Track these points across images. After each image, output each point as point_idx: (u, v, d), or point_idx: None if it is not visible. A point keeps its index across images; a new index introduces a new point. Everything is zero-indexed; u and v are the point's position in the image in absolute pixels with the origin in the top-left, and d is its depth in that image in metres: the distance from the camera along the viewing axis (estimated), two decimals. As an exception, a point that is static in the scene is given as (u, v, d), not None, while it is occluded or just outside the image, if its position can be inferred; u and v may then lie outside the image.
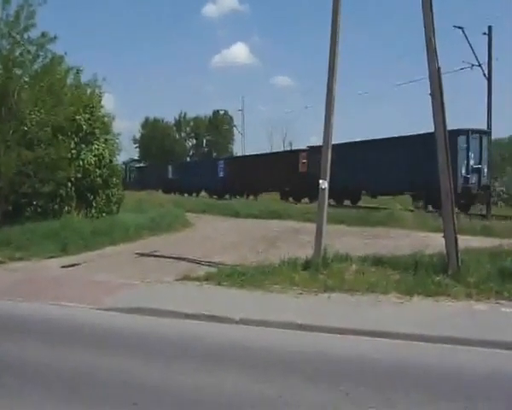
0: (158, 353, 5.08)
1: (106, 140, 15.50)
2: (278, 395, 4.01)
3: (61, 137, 13.87)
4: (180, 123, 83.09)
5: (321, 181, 9.04)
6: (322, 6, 57.02)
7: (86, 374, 4.46)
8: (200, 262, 9.70)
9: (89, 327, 6.06)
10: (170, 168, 42.30)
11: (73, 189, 14.09)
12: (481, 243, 10.19)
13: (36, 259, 10.33)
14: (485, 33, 21.89)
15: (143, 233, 13.66)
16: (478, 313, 6.18)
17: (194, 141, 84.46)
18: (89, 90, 15.54)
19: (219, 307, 6.53)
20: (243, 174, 30.69)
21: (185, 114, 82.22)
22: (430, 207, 18.15)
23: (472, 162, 18.51)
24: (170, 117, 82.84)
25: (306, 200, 24.50)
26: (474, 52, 21.87)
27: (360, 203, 24.26)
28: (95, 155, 14.61)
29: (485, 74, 21.77)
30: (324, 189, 8.99)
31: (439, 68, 7.96)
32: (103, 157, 14.85)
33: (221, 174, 33.96)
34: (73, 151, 14.17)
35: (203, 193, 36.32)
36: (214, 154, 75.35)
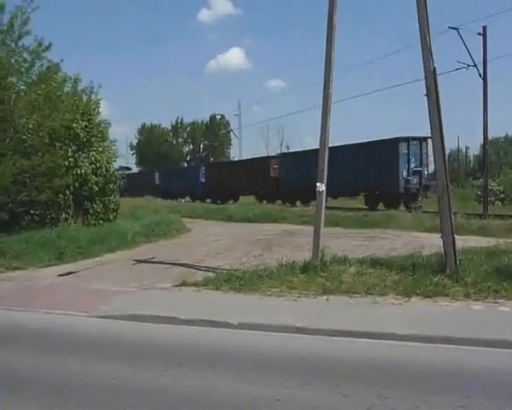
0: (154, 359, 5.04)
1: (103, 147, 15.47)
2: (276, 398, 3.98)
3: (58, 144, 13.84)
4: (177, 128, 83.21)
5: (318, 184, 9.04)
6: (316, 9, 57.21)
7: (80, 381, 4.42)
8: (197, 267, 9.66)
9: (84, 335, 6.02)
10: (157, 175, 43.83)
11: (71, 197, 14.05)
12: (478, 242, 10.19)
13: (32, 268, 10.28)
14: (480, 33, 22.02)
15: (140, 240, 13.63)
16: (476, 313, 6.16)
17: (191, 146, 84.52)
18: (85, 98, 15.53)
19: (217, 312, 6.49)
20: (222, 179, 32.46)
21: (182, 120, 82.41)
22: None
23: (412, 166, 20.98)
24: (166, 123, 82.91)
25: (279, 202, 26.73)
26: (469, 52, 22.00)
27: (358, 205, 24.29)
28: (91, 163, 14.58)
29: (480, 74, 21.88)
30: (322, 192, 8.97)
31: (434, 69, 7.97)
32: (100, 165, 14.81)
33: (202, 180, 35.90)
34: (71, 159, 14.14)
35: (187, 198, 37.78)
36: (212, 158, 75.40)
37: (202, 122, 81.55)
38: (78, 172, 14.15)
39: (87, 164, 14.36)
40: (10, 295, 7.95)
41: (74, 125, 14.33)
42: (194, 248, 12.63)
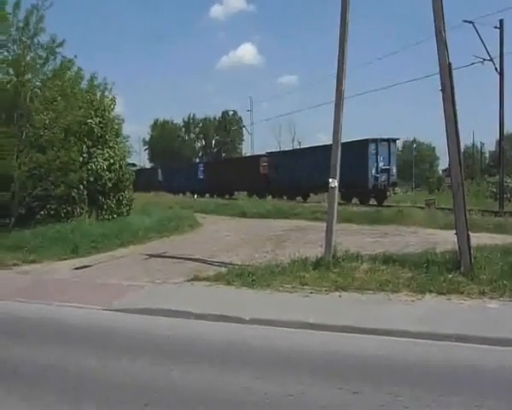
0: (167, 353, 5.09)
1: (116, 143, 15.61)
2: (288, 394, 3.98)
3: (72, 140, 14.01)
4: (189, 124, 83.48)
5: (330, 179, 8.98)
6: (328, 4, 56.76)
7: (95, 375, 4.47)
8: (209, 262, 9.70)
9: (97, 329, 6.09)
10: (160, 172, 46.03)
11: (85, 192, 14.21)
12: (493, 239, 10.05)
13: (48, 261, 10.44)
14: (496, 27, 21.64)
15: (152, 235, 13.72)
16: (491, 311, 6.08)
17: (203, 142, 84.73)
18: (99, 94, 15.67)
19: (229, 307, 6.51)
20: (218, 176, 34.95)
21: (194, 116, 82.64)
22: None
23: (381, 164, 23.33)
24: (178, 119, 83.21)
25: (270, 197, 28.66)
26: (485, 46, 21.63)
27: (370, 201, 24.20)
28: (105, 159, 14.72)
29: (496, 69, 21.52)
30: (334, 187, 8.92)
31: (449, 63, 7.86)
32: (114, 161, 14.95)
33: (201, 176, 38.62)
34: (85, 155, 14.30)
35: (188, 194, 39.26)
36: (223, 154, 75.49)
37: (214, 118, 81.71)
38: (93, 166, 14.31)
39: (101, 160, 14.51)
40: (27, 289, 8.08)
41: (89, 120, 14.48)
42: (206, 243, 12.68)
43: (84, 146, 14.35)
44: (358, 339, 5.37)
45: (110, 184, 14.74)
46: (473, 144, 55.90)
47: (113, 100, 15.76)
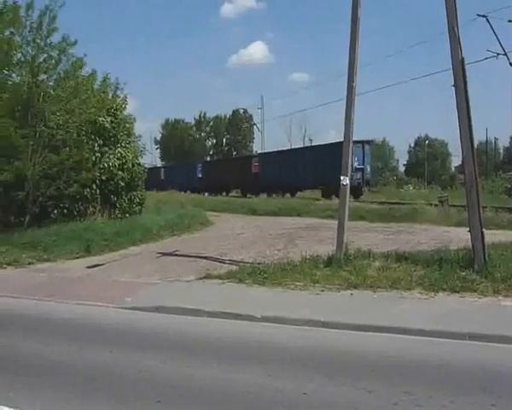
0: (179, 350, 5.12)
1: (128, 143, 15.73)
2: (300, 392, 3.98)
3: (85, 139, 14.14)
4: (200, 123, 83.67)
5: (342, 177, 8.93)
6: (339, 0, 56.41)
7: (107, 371, 4.52)
8: (221, 260, 9.72)
9: (110, 326, 6.16)
10: (162, 171, 48.21)
11: (98, 191, 14.34)
12: (508, 237, 9.90)
13: (61, 260, 10.56)
14: (510, 21, 21.31)
15: (164, 233, 13.80)
16: (506, 309, 6.00)
17: (214, 140, 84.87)
18: (111, 93, 15.80)
19: (241, 305, 6.53)
20: (215, 175, 37.36)
21: (205, 114, 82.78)
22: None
23: (355, 164, 25.41)
24: (190, 117, 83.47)
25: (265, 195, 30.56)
26: (499, 41, 21.33)
27: (382, 199, 24.09)
28: (118, 159, 14.85)
29: (511, 63, 21.20)
30: (346, 185, 8.87)
31: (462, 59, 7.76)
32: (126, 160, 15.07)
33: (199, 175, 40.91)
34: (97, 154, 14.43)
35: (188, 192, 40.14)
36: (234, 153, 75.54)
37: (225, 116, 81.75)
38: (106, 165, 14.43)
39: (113, 159, 14.63)
40: (41, 287, 8.19)
41: (101, 119, 14.61)
42: (217, 241, 12.71)
43: (96, 145, 14.48)
44: (371, 337, 5.34)
45: (123, 183, 14.85)
46: (486, 140, 55.09)
47: (125, 99, 15.89)
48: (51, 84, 14.21)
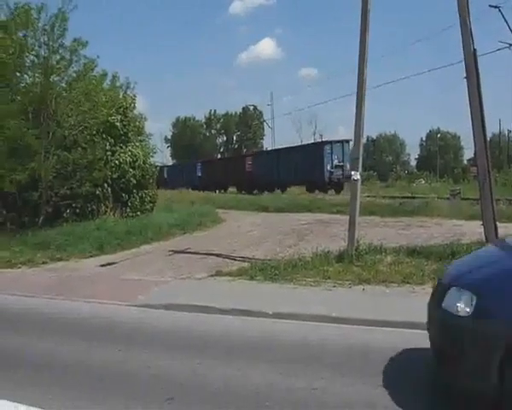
0: (191, 348, 5.14)
1: (139, 141, 15.84)
2: (311, 387, 3.98)
3: (96, 139, 14.28)
4: (210, 120, 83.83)
5: (353, 172, 8.88)
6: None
7: (119, 369, 4.55)
8: (231, 257, 9.75)
9: (123, 324, 6.21)
10: (165, 170, 49.28)
11: (109, 190, 14.47)
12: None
13: (74, 259, 10.68)
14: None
15: (175, 231, 13.86)
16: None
17: (225, 138, 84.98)
18: (121, 93, 15.92)
19: (252, 302, 6.54)
20: (213, 173, 39.47)
21: (215, 112, 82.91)
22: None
23: (335, 162, 28.57)
24: (200, 115, 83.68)
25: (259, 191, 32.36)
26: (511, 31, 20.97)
27: (392, 193, 23.91)
28: (129, 156, 14.95)
29: (523, 54, 20.84)
30: (357, 180, 8.82)
31: (474, 50, 7.65)
32: (137, 158, 15.17)
33: (199, 174, 42.24)
34: (108, 152, 14.55)
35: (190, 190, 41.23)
36: (244, 150, 75.55)
37: (235, 113, 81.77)
38: (117, 162, 14.54)
39: (125, 156, 14.75)
40: (54, 286, 8.29)
41: (111, 118, 14.72)
42: (228, 238, 12.73)
43: (107, 143, 14.60)
44: (384, 332, 5.31)
45: (134, 181, 14.95)
46: (499, 133, 54.34)
47: (133, 98, 15.98)
48: (63, 85, 14.37)
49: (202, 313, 6.35)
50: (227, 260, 9.58)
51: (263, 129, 73.62)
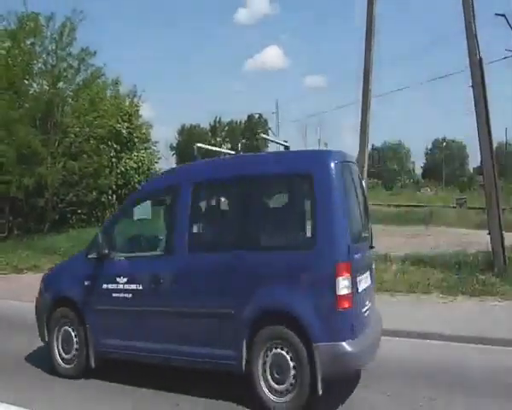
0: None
1: (145, 148, 15.95)
2: (316, 395, 3.94)
3: (102, 146, 14.38)
4: (215, 128, 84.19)
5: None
6: (353, 3, 56.28)
7: (127, 373, 4.54)
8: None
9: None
10: None
11: (114, 196, 14.54)
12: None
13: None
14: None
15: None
16: (528, 313, 5.87)
17: (230, 145, 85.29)
18: (128, 101, 16.06)
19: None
20: None
21: (220, 119, 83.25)
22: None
23: None
24: (205, 123, 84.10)
25: None
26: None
27: (398, 202, 23.87)
28: (134, 162, 15.05)
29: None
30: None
31: (480, 58, 7.65)
32: (142, 164, 15.26)
33: None
34: (114, 159, 14.65)
35: None
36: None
37: (240, 122, 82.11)
38: (122, 169, 14.63)
39: (131, 162, 14.85)
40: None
41: (117, 125, 14.84)
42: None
43: (113, 150, 14.70)
44: (390, 341, 5.27)
45: (139, 187, 15.02)
46: (506, 141, 54.07)
47: (137, 105, 16.12)
48: (70, 93, 14.52)
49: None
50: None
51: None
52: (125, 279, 4.24)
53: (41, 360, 4.89)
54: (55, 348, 4.59)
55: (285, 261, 3.62)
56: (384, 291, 7.00)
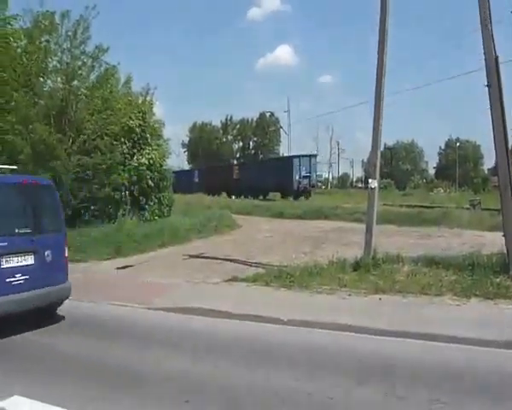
0: (205, 351, 5.15)
1: (157, 145, 16.02)
2: (327, 396, 3.94)
3: (115, 143, 14.49)
4: (226, 126, 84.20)
5: (370, 180, 8.83)
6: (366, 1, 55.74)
7: (136, 371, 4.58)
8: (247, 263, 9.76)
9: (139, 326, 6.27)
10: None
11: (127, 193, 14.64)
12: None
13: (93, 261, 10.83)
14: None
15: (192, 235, 13.95)
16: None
17: (241, 143, 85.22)
18: (141, 99, 16.14)
19: (267, 308, 6.53)
20: (207, 180, 43.02)
21: (231, 117, 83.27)
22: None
23: (303, 173, 33.89)
24: (217, 121, 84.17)
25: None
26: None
27: (410, 202, 23.63)
28: (146, 159, 15.13)
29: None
30: (374, 188, 8.75)
31: (496, 57, 7.53)
32: (154, 161, 15.34)
33: (196, 180, 45.16)
34: (127, 156, 14.75)
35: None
36: (260, 156, 75.67)
37: (252, 120, 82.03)
38: (136, 164, 14.73)
39: (143, 158, 14.93)
40: (73, 287, 8.38)
41: (130, 122, 14.93)
42: (244, 244, 12.75)
43: (125, 147, 14.80)
44: (401, 343, 5.24)
45: (152, 184, 15.10)
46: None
47: (151, 104, 16.19)
48: (84, 91, 14.65)
49: (217, 318, 6.37)
50: (243, 265, 9.59)
51: (279, 135, 73.70)
52: None
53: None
54: None
55: None
56: (396, 292, 6.96)
